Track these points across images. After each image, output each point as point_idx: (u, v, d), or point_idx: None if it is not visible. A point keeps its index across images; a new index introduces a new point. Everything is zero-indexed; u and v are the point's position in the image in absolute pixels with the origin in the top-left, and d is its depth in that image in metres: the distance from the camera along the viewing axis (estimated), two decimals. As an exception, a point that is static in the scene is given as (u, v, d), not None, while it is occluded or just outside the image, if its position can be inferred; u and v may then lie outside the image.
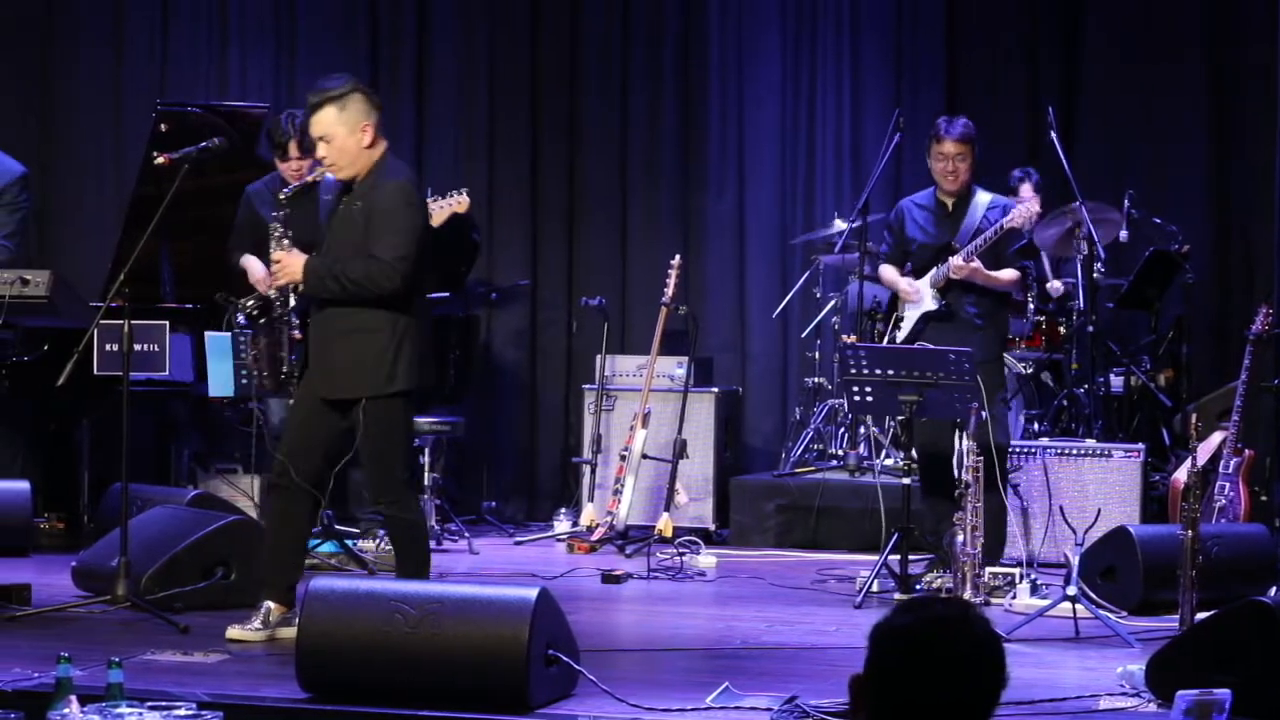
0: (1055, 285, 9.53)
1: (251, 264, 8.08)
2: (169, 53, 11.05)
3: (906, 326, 7.98)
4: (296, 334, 6.47)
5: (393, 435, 6.24)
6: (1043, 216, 9.51)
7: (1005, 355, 8.53)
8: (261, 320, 6.45)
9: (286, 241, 6.35)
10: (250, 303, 6.50)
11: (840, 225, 9.78)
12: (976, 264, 7.73)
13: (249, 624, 6.26)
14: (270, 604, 6.29)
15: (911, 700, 2.83)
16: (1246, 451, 8.24)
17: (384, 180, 6.23)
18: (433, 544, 8.73)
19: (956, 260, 7.73)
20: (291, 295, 6.46)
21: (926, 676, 2.83)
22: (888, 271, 8.16)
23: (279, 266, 6.36)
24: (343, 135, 6.20)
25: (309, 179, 6.57)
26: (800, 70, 10.65)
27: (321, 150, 6.25)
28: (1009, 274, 7.90)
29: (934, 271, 7.90)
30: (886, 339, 8.06)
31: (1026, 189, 9.50)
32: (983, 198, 7.96)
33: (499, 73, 10.88)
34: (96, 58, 11.10)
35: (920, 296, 7.94)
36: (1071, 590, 6.59)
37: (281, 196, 6.48)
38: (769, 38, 10.66)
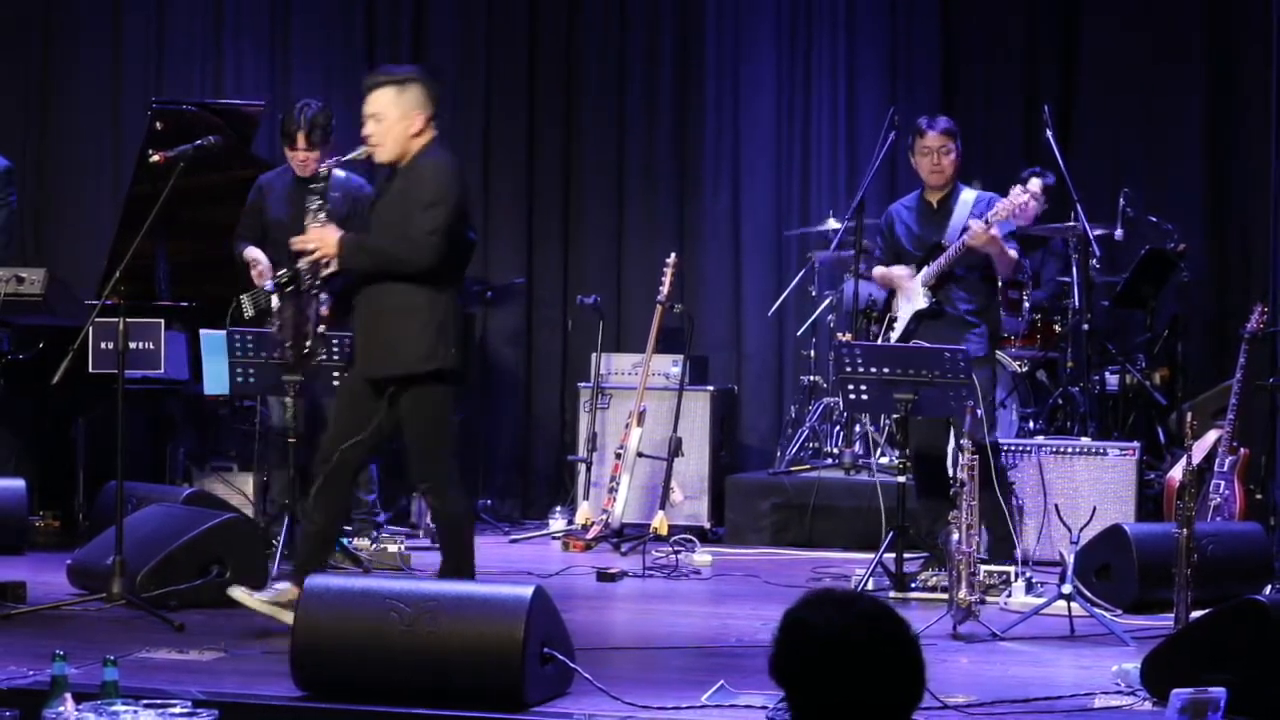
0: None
1: (255, 255, 8.11)
2: (165, 51, 11.04)
3: (900, 325, 7.98)
4: (325, 310, 6.48)
5: (437, 419, 6.26)
6: (1040, 221, 9.54)
7: (999, 353, 8.52)
8: (290, 289, 6.44)
9: (323, 216, 6.39)
10: (282, 272, 6.52)
11: (834, 225, 9.79)
12: (995, 230, 7.69)
13: (259, 592, 6.29)
14: (289, 585, 6.24)
15: (830, 696, 2.83)
16: (1241, 450, 8.25)
17: (423, 161, 6.27)
18: (426, 542, 8.77)
19: (976, 224, 7.68)
20: (323, 270, 6.45)
21: (850, 675, 2.83)
22: (878, 270, 8.18)
23: (313, 238, 6.36)
24: (393, 118, 6.24)
25: (332, 163, 6.61)
26: (795, 70, 10.65)
27: (369, 128, 6.28)
28: (1012, 251, 7.88)
29: (925, 270, 7.90)
30: (880, 338, 8.05)
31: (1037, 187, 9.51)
32: (968, 195, 7.95)
33: (496, 72, 10.87)
34: (95, 57, 11.09)
35: (913, 283, 7.93)
36: (1067, 588, 6.59)
37: (322, 169, 6.58)
38: (765, 38, 10.65)
